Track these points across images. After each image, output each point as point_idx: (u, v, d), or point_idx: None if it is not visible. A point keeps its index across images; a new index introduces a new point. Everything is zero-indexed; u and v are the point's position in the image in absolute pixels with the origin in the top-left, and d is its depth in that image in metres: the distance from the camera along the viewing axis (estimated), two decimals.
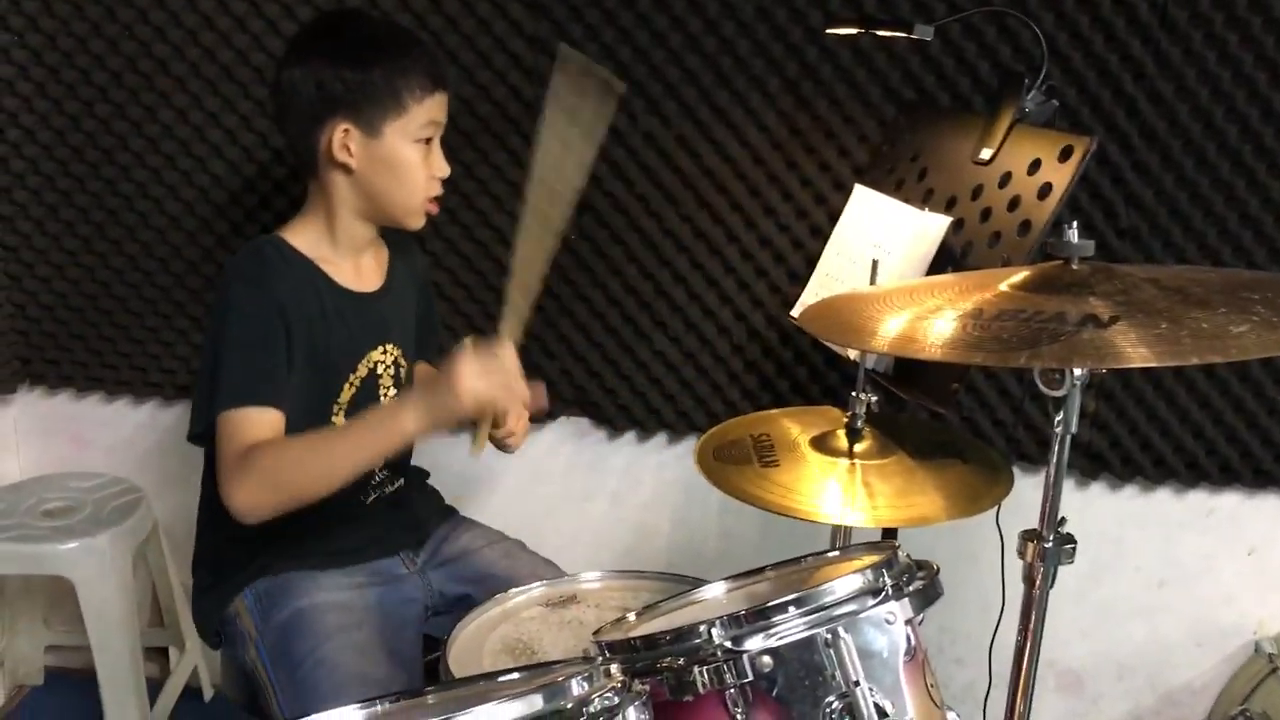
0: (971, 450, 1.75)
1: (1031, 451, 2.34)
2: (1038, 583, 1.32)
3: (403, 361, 1.90)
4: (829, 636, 1.06)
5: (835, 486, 1.64)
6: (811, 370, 2.34)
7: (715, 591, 1.29)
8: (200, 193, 2.35)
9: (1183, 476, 2.34)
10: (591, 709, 0.91)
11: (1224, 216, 2.17)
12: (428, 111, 1.74)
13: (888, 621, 1.10)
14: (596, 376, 2.41)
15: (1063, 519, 1.34)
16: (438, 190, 1.79)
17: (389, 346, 1.86)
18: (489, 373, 1.59)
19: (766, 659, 1.05)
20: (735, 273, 2.32)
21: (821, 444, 1.72)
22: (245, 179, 2.34)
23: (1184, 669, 2.50)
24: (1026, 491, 2.37)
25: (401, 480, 1.92)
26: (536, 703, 0.90)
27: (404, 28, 2.06)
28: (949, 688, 2.54)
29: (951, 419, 1.94)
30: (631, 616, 1.26)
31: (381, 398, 1.85)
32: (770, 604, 1.08)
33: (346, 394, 1.80)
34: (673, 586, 1.65)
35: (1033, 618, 1.32)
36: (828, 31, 2.02)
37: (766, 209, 2.28)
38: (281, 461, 1.61)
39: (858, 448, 1.70)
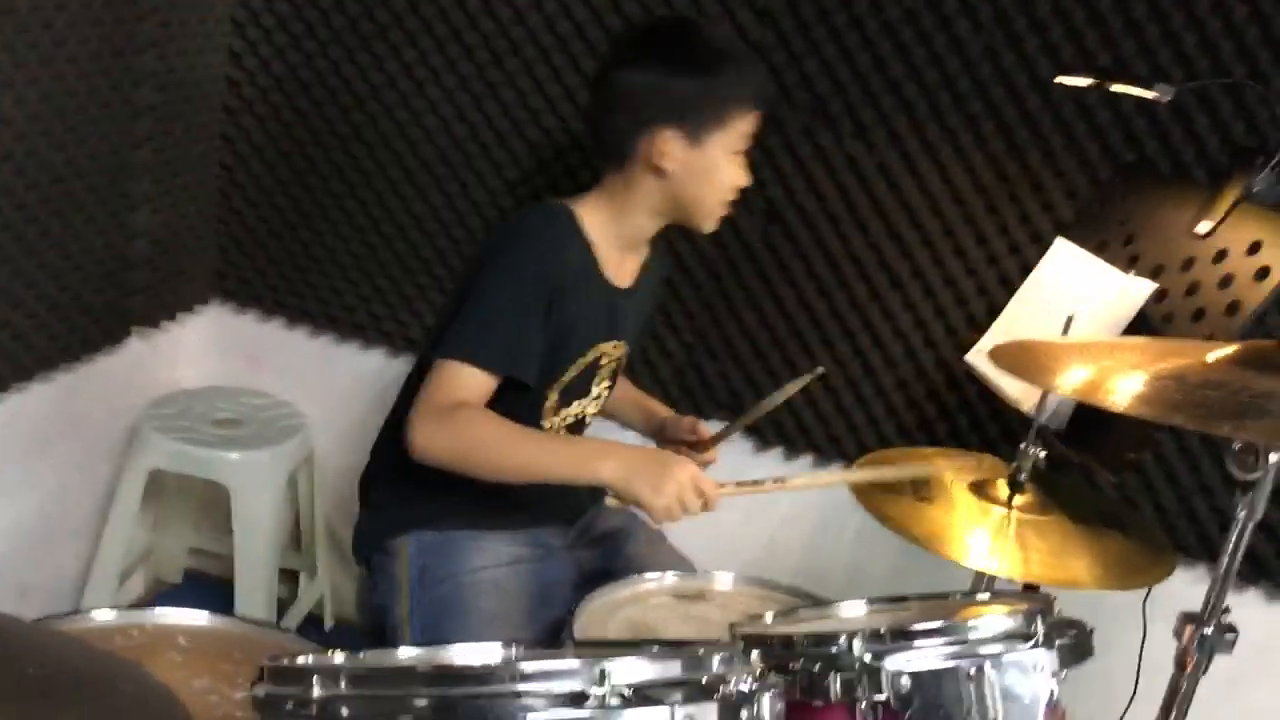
0: (1134, 526, 1.69)
1: (1188, 543, 2.25)
2: (1189, 667, 1.27)
3: (622, 357, 1.95)
4: (973, 671, 1.04)
5: (986, 533, 1.61)
6: (973, 419, 2.30)
7: (856, 609, 1.29)
8: (439, 151, 2.40)
9: None
10: (728, 689, 0.92)
11: None
12: (747, 126, 1.79)
13: (1035, 668, 1.07)
14: (754, 385, 2.41)
15: (1227, 608, 1.28)
16: (735, 196, 1.85)
17: (619, 343, 1.91)
18: (690, 500, 1.60)
19: (906, 680, 1.04)
20: (914, 309, 2.29)
21: (980, 490, 1.69)
22: (511, 153, 2.38)
23: None
24: (1176, 583, 2.30)
25: None
26: (675, 668, 0.91)
27: (740, 41, 2.07)
28: None
29: (1113, 491, 1.88)
30: (769, 617, 1.27)
31: (593, 387, 1.90)
32: (918, 626, 1.07)
33: (569, 374, 1.84)
34: (802, 601, 1.64)
35: (1175, 706, 1.27)
36: (1057, 80, 1.98)
37: (957, 250, 2.25)
38: (479, 434, 1.66)
39: (1016, 500, 1.66)
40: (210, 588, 2.68)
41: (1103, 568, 1.59)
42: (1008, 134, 2.17)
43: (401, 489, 1.86)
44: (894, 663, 1.04)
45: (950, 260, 2.25)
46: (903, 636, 1.07)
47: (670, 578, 1.70)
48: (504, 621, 1.71)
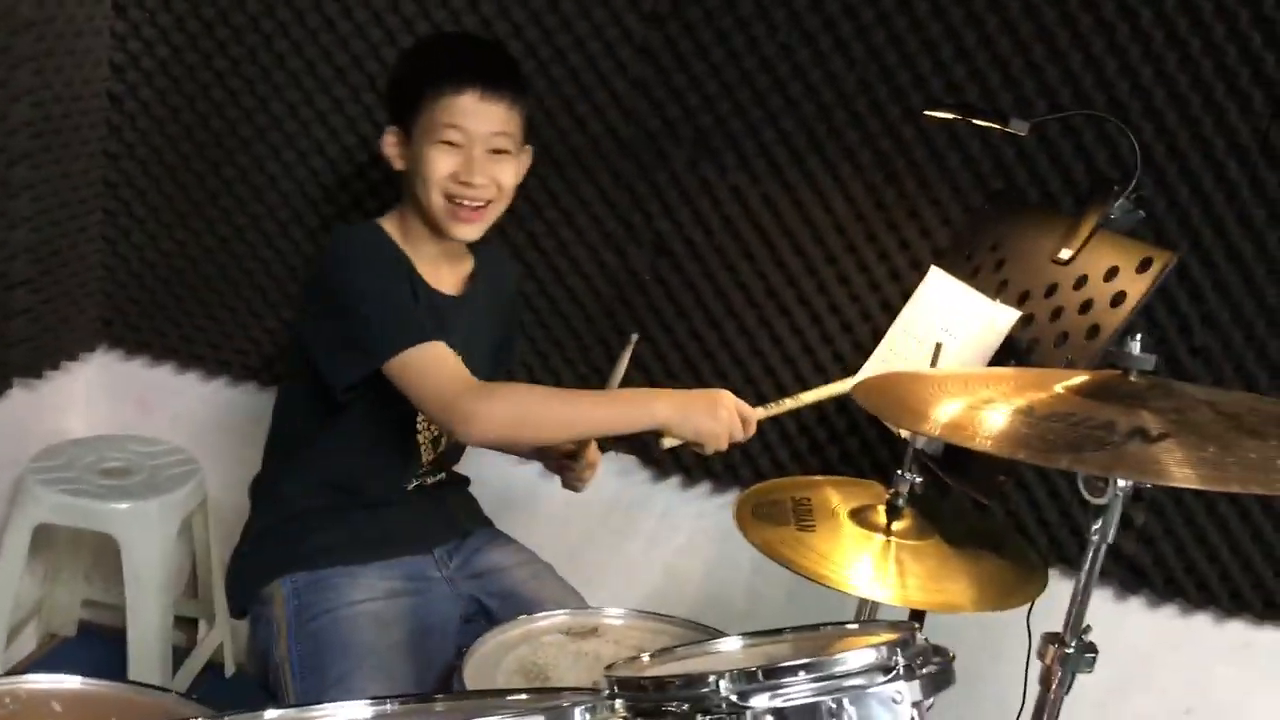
0: (1010, 546, 1.74)
1: (1073, 555, 2.32)
2: (1054, 686, 1.31)
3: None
4: (833, 705, 1.07)
5: (868, 560, 1.65)
6: (863, 443, 2.35)
7: (732, 645, 1.31)
8: (297, 185, 2.43)
9: (1224, 605, 2.30)
10: None
11: None
12: (445, 113, 1.76)
13: (894, 700, 1.10)
14: None
15: (1088, 627, 1.33)
16: (457, 191, 1.79)
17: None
18: (736, 426, 1.70)
19: (769, 718, 1.06)
20: (801, 335, 2.34)
21: (860, 517, 1.73)
22: (341, 178, 2.41)
23: None
24: (1063, 595, 2.37)
25: (443, 475, 1.96)
26: None
27: (478, 38, 2.14)
28: None
29: (996, 511, 1.94)
30: (646, 657, 1.28)
31: None
32: (780, 665, 1.09)
33: None
34: (694, 634, 1.67)
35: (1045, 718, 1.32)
36: (925, 114, 2.04)
37: (841, 277, 2.30)
38: (531, 399, 1.73)
39: (896, 525, 1.70)
40: (105, 640, 2.62)
41: (979, 590, 1.63)
42: (884, 163, 2.22)
43: (271, 534, 1.85)
44: (759, 701, 1.07)
45: (834, 287, 2.30)
46: (767, 675, 1.09)
47: (562, 615, 1.70)
48: (384, 654, 1.70)
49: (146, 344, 2.59)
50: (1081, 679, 2.37)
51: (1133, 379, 1.25)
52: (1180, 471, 1.05)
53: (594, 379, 2.43)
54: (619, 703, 1.04)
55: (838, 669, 1.10)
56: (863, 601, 1.78)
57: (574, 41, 2.26)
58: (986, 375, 1.39)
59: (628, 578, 2.60)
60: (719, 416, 1.67)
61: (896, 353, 1.99)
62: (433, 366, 1.68)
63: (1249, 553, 2.25)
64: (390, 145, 1.82)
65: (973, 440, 1.15)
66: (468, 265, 1.96)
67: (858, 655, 1.12)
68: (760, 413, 1.77)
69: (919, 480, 1.71)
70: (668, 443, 1.71)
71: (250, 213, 2.45)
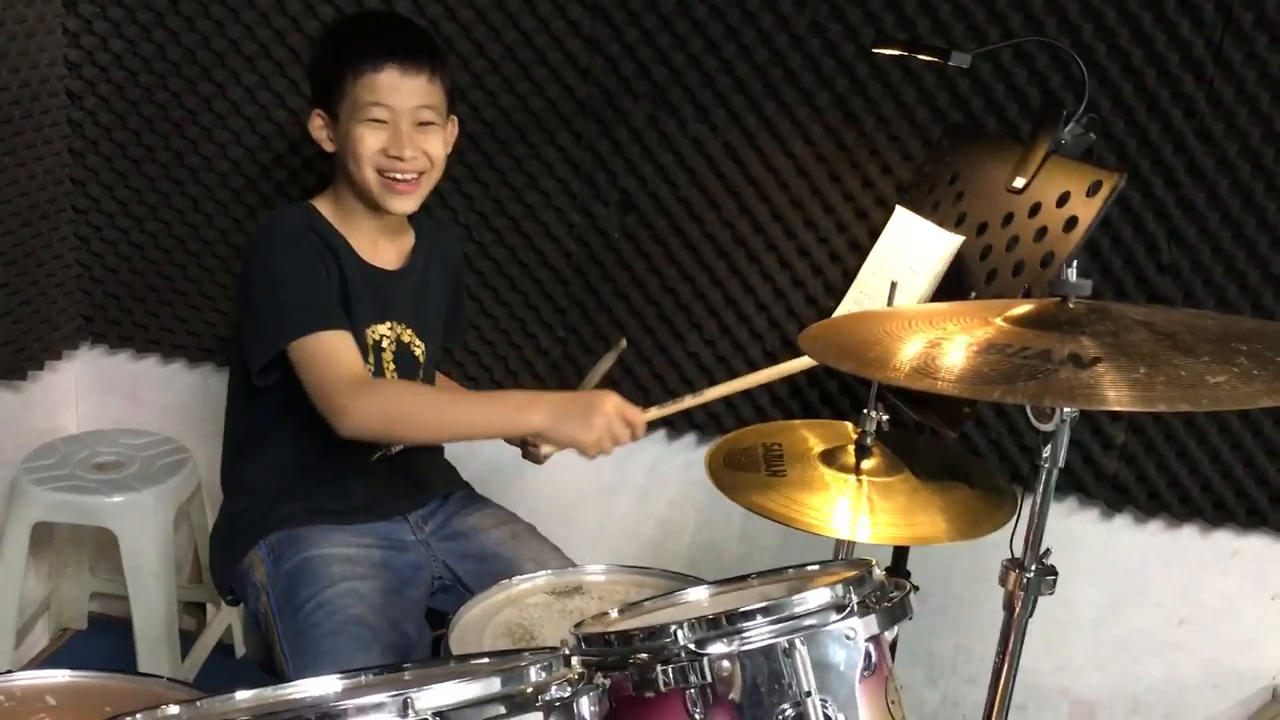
0: (978, 475, 1.76)
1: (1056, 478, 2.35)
2: (1017, 610, 1.34)
3: (416, 343, 1.96)
4: (786, 646, 1.10)
5: (839, 501, 1.67)
6: (843, 383, 2.37)
7: (698, 595, 1.34)
8: (262, 169, 2.44)
9: (1208, 515, 2.33)
10: (547, 696, 0.96)
11: (1268, 259, 2.15)
12: (367, 90, 1.79)
13: (847, 637, 1.13)
14: (631, 374, 2.46)
15: (1047, 550, 1.35)
16: (389, 166, 1.81)
17: (394, 324, 1.93)
18: (619, 431, 1.69)
19: (726, 664, 1.09)
20: (772, 281, 2.35)
21: (830, 458, 1.75)
22: (305, 158, 2.42)
23: (1199, 710, 2.48)
24: (1053, 519, 2.40)
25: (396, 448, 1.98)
26: (495, 685, 0.95)
27: (389, 16, 2.16)
28: (960, 706, 2.57)
29: (956, 442, 1.96)
30: (614, 612, 1.31)
31: (385, 371, 1.91)
32: (735, 611, 1.12)
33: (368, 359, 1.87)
34: (674, 584, 1.69)
35: (1010, 642, 1.34)
36: (873, 51, 2.04)
37: (807, 221, 2.30)
38: (406, 399, 1.73)
39: (866, 464, 1.73)
40: (115, 630, 2.67)
41: (950, 520, 1.66)
42: (841, 104, 2.22)
43: (243, 513, 1.89)
44: (715, 648, 1.10)
45: (802, 231, 2.31)
46: (724, 622, 1.12)
47: (544, 576, 1.73)
48: (356, 582, 1.75)
49: (129, 337, 2.61)
50: (1076, 597, 2.44)
51: (1071, 305, 1.26)
52: (1111, 394, 1.06)
53: (572, 341, 2.45)
54: (575, 659, 1.08)
55: (792, 611, 1.13)
56: (839, 541, 1.81)
57: (524, 4, 2.26)
58: (929, 312, 1.41)
59: (623, 533, 2.63)
60: (593, 424, 1.65)
61: (867, 294, 2.00)
62: (323, 356, 1.70)
63: (1229, 462, 2.27)
64: (317, 128, 1.86)
65: (897, 376, 1.17)
66: (408, 239, 1.98)
67: (812, 596, 1.14)
68: (651, 413, 1.74)
69: (885, 418, 1.73)
70: (547, 450, 1.71)
71: (218, 199, 2.46)
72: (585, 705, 0.97)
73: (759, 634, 1.11)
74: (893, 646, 2.06)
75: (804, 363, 1.77)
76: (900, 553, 2.05)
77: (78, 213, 2.51)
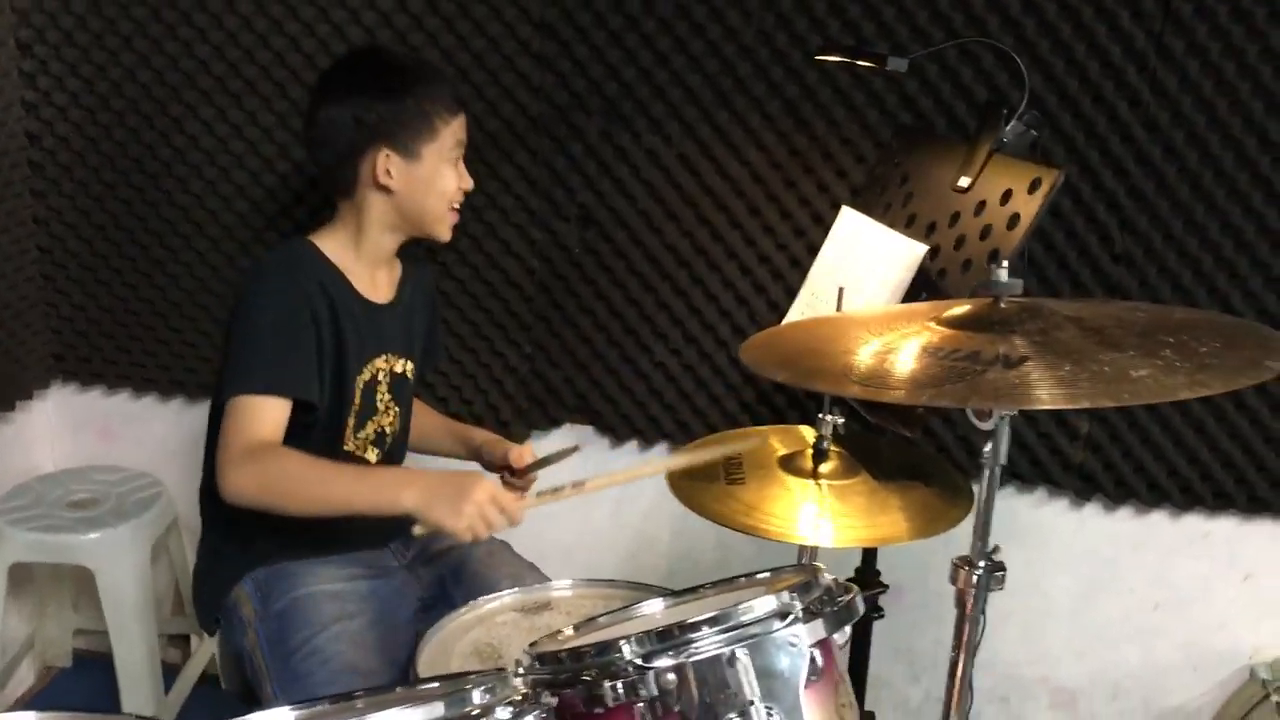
0: (936, 473, 1.78)
1: (1024, 471, 2.37)
2: (969, 607, 1.36)
3: (408, 371, 1.99)
4: (730, 656, 1.11)
5: (798, 506, 1.69)
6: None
7: (653, 608, 1.35)
8: (224, 201, 2.45)
9: (1177, 500, 2.34)
10: (491, 718, 0.98)
11: (1219, 243, 2.17)
12: (454, 133, 1.88)
13: (791, 644, 1.14)
14: (599, 386, 2.47)
15: (995, 547, 1.37)
16: (460, 199, 1.93)
17: (390, 356, 1.95)
18: (492, 516, 1.64)
19: (671, 676, 1.10)
20: (734, 288, 2.37)
21: (789, 464, 1.77)
22: (266, 189, 2.44)
23: (1178, 693, 2.50)
24: (1024, 511, 2.42)
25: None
26: (438, 710, 0.97)
27: (423, 59, 2.20)
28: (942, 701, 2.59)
29: (917, 441, 1.97)
30: (569, 630, 1.32)
31: (378, 403, 1.94)
32: (680, 623, 1.14)
33: (357, 396, 1.89)
34: (641, 596, 1.71)
35: (965, 637, 1.36)
36: (817, 58, 2.06)
37: (765, 227, 2.32)
38: (287, 471, 1.70)
39: (824, 468, 1.74)
40: (100, 666, 2.67)
41: (910, 519, 1.67)
42: (792, 110, 2.24)
43: (227, 544, 1.90)
44: (662, 661, 1.11)
45: (760, 238, 2.33)
46: (669, 635, 1.13)
47: (510, 594, 1.74)
48: (347, 622, 1.76)
49: (100, 374, 2.63)
50: (1052, 587, 2.46)
51: (1003, 305, 1.28)
52: (1036, 393, 1.08)
53: (539, 357, 2.47)
54: (519, 680, 1.09)
55: (736, 620, 1.14)
56: (802, 547, 1.82)
57: (474, 27, 2.28)
58: (867, 318, 1.42)
59: (599, 546, 2.65)
60: (462, 510, 1.62)
61: (818, 295, 2.02)
62: (241, 418, 1.72)
63: (1194, 447, 2.29)
64: (384, 168, 1.83)
65: (838, 385, 1.18)
66: (398, 271, 2.01)
67: (756, 604, 1.15)
68: (528, 502, 1.72)
69: (841, 421, 1.75)
70: (418, 530, 1.68)
71: (181, 233, 2.48)
72: None
73: (704, 645, 1.13)
74: (864, 646, 2.10)
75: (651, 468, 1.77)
76: (869, 554, 2.06)
77: (42, 252, 2.52)
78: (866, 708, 2.18)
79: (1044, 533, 2.44)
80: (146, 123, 2.42)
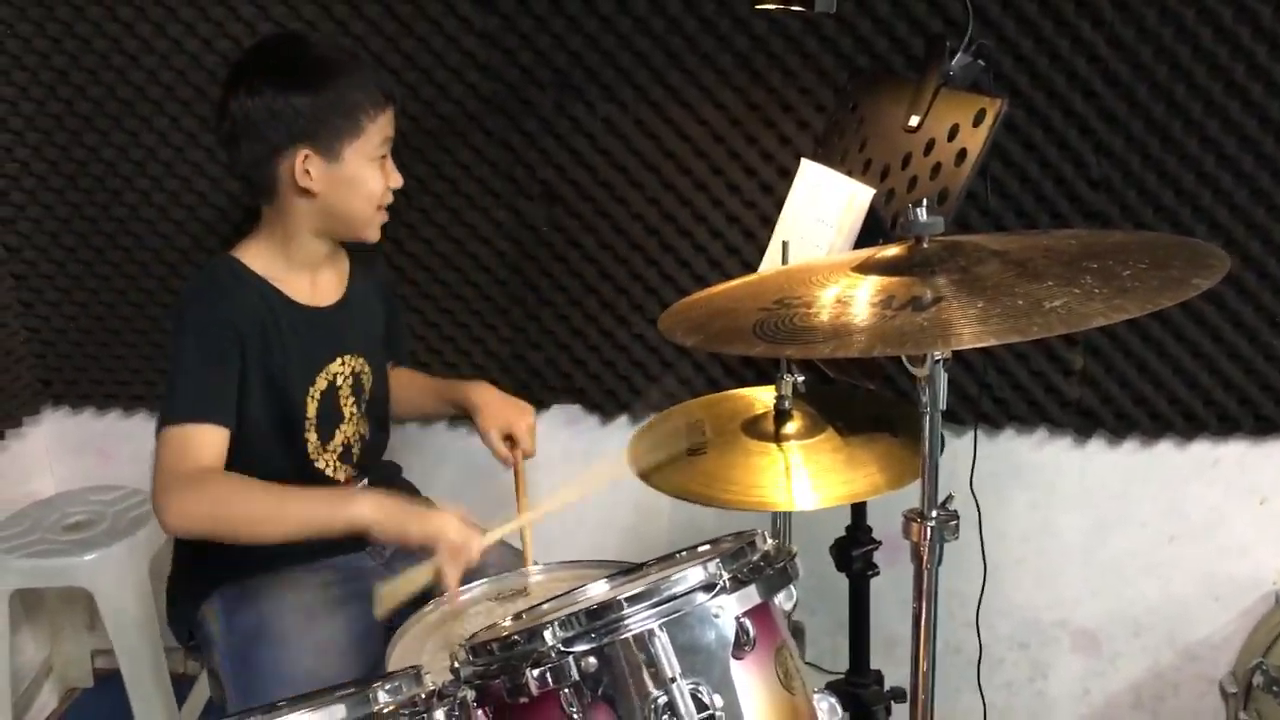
0: (903, 422, 1.72)
1: (1021, 412, 2.31)
2: (925, 560, 1.31)
3: (365, 370, 1.94)
4: (647, 634, 1.07)
5: (763, 471, 1.64)
6: None
7: (598, 590, 1.31)
8: (188, 211, 2.44)
9: (1180, 428, 2.27)
10: (402, 716, 0.95)
11: (1198, 158, 2.09)
12: (381, 129, 1.77)
13: (715, 615, 1.10)
14: (581, 364, 2.44)
15: (949, 496, 1.32)
16: (390, 200, 1.83)
17: (347, 358, 1.90)
18: (458, 552, 1.60)
19: (592, 659, 1.06)
20: (705, 251, 2.32)
21: (752, 428, 1.72)
22: (229, 194, 2.42)
23: (1203, 624, 2.43)
24: (1026, 453, 2.35)
25: (365, 480, 1.97)
26: (339, 712, 0.94)
27: (346, 47, 2.11)
28: (962, 651, 2.52)
29: (882, 391, 1.92)
30: (508, 620, 1.29)
31: (342, 408, 1.90)
32: (598, 605, 1.10)
33: (311, 409, 1.84)
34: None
35: (925, 589, 1.31)
36: (756, 6, 1.99)
37: (731, 186, 2.27)
38: (234, 496, 1.65)
39: (788, 428, 1.69)
40: (121, 685, 2.69)
41: (879, 473, 1.62)
42: (745, 63, 2.18)
43: (196, 562, 1.87)
44: (582, 645, 1.07)
45: (727, 198, 2.28)
46: (589, 618, 1.10)
47: (481, 585, 1.71)
48: (316, 636, 1.72)
49: (87, 395, 2.63)
50: (1063, 528, 2.40)
51: (925, 246, 1.22)
52: (945, 335, 1.03)
53: (519, 340, 2.44)
54: (429, 675, 1.06)
55: (658, 597, 1.10)
56: (776, 512, 1.78)
57: (416, 10, 2.23)
58: (787, 275, 1.37)
59: (599, 524, 2.61)
60: (428, 518, 1.59)
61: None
62: (174, 447, 1.66)
63: (1193, 371, 2.21)
64: (304, 168, 1.72)
65: (746, 345, 1.13)
66: (344, 265, 1.95)
67: (675, 579, 1.11)
68: (490, 536, 1.67)
69: (801, 379, 1.70)
70: (383, 608, 1.62)
71: (150, 246, 2.47)
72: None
73: (629, 625, 1.09)
74: (863, 605, 2.04)
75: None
76: (858, 511, 2.01)
77: (17, 280, 2.52)
78: (877, 666, 2.13)
79: (1049, 473, 2.38)
80: (104, 139, 2.40)
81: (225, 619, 1.80)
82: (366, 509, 1.61)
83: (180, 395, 1.70)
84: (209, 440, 1.68)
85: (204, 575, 1.85)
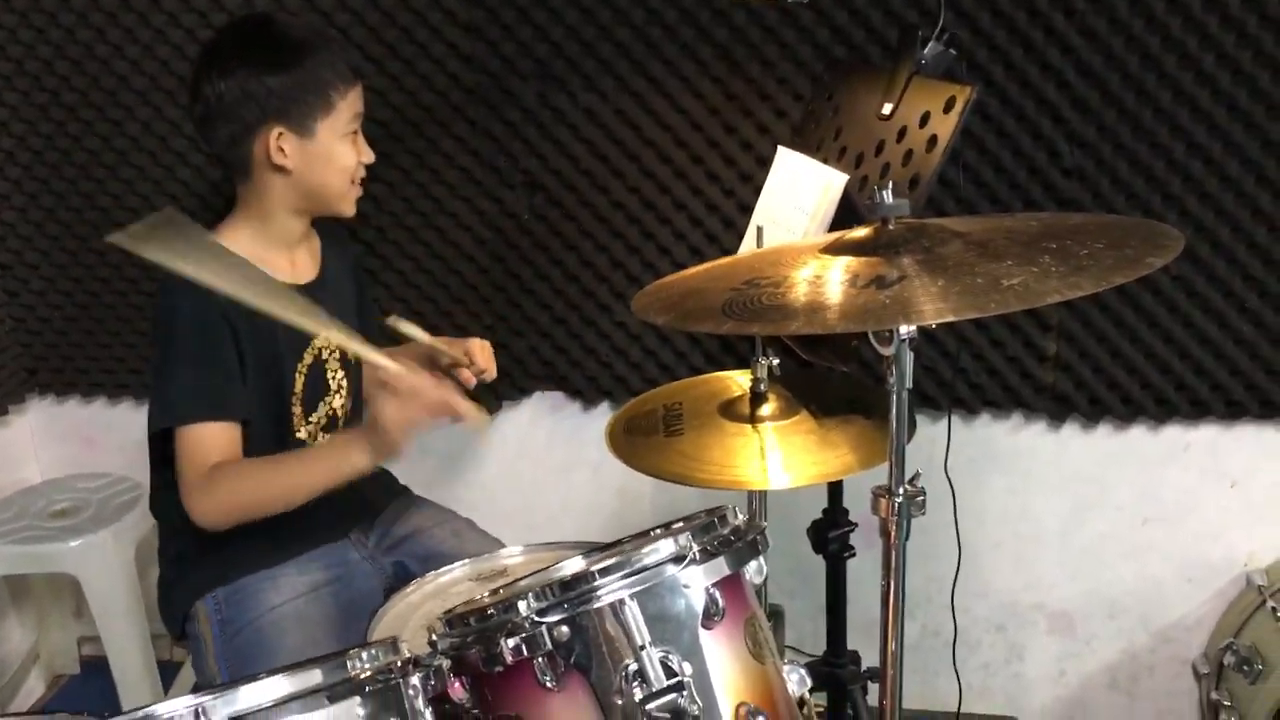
0: (877, 404, 1.75)
1: (996, 397, 2.34)
2: (893, 536, 1.34)
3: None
4: (618, 604, 1.10)
5: (739, 451, 1.67)
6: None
7: (574, 565, 1.34)
8: (172, 199, 2.45)
9: (1153, 412, 2.30)
10: (375, 684, 0.97)
11: (1169, 146, 2.12)
12: (351, 105, 1.81)
13: (685, 586, 1.13)
14: (563, 351, 2.47)
15: (916, 473, 1.35)
16: (363, 174, 1.88)
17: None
18: (403, 403, 1.66)
19: (565, 629, 1.10)
20: (685, 239, 2.35)
21: (728, 410, 1.75)
22: (211, 182, 2.44)
23: (1176, 606, 2.46)
24: (1002, 438, 2.38)
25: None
26: (315, 677, 0.97)
27: (315, 26, 2.14)
28: (940, 634, 2.56)
29: (855, 375, 1.95)
30: (485, 594, 1.32)
31: (330, 382, 1.92)
32: (572, 576, 1.13)
33: (299, 384, 1.87)
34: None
35: (893, 566, 1.34)
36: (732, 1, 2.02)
37: (710, 175, 2.30)
38: (245, 483, 1.73)
39: (763, 410, 1.72)
40: (108, 672, 2.71)
41: (851, 453, 1.65)
42: (724, 54, 2.21)
43: (186, 554, 1.88)
44: (555, 615, 1.10)
45: (706, 186, 2.30)
46: (562, 589, 1.13)
47: (461, 566, 1.74)
48: (311, 652, 1.73)
49: (73, 383, 2.65)
50: (1039, 511, 2.43)
51: (891, 227, 1.25)
52: (912, 312, 1.06)
53: (500, 328, 2.46)
54: (403, 645, 1.09)
55: (629, 569, 1.13)
56: (751, 492, 1.81)
57: (398, 1, 2.25)
58: (759, 257, 1.40)
59: (584, 509, 2.64)
60: (391, 427, 1.65)
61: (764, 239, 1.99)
62: (193, 448, 1.72)
63: (1165, 357, 2.25)
64: (278, 146, 1.76)
65: (710, 322, 1.16)
66: (317, 243, 1.98)
67: (646, 551, 1.14)
68: (396, 367, 1.71)
69: (776, 362, 1.72)
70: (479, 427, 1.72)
71: None
72: (416, 683, 0.98)
73: (601, 595, 1.12)
74: (839, 585, 2.07)
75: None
76: (834, 492, 2.04)
77: (2, 268, 2.54)
78: (856, 647, 2.16)
79: (1025, 458, 2.41)
80: (87, 128, 2.42)
81: (219, 624, 1.82)
82: (362, 461, 1.69)
83: (183, 393, 1.73)
84: (223, 437, 1.73)
85: (195, 574, 1.86)
